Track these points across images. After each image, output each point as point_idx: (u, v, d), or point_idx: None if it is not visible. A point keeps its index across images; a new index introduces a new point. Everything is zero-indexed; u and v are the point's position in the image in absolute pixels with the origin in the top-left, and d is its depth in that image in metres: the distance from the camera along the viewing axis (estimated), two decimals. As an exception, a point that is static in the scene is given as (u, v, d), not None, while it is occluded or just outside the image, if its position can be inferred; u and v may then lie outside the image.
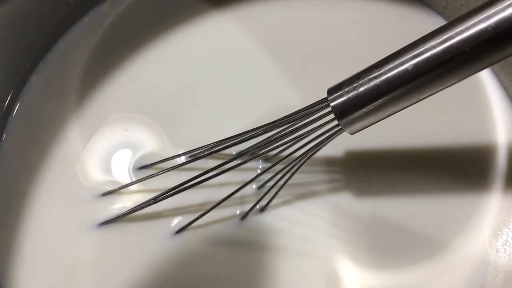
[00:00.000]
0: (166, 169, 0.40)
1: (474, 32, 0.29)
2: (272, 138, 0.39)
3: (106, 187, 0.42)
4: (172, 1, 0.50)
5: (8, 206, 0.42)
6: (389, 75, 0.32)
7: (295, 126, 0.38)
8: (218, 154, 0.41)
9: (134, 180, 0.42)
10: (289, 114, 0.38)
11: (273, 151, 0.41)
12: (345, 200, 0.42)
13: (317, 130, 0.37)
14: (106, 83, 0.46)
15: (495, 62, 0.30)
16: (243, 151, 0.41)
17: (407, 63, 0.31)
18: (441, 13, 0.50)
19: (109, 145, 0.44)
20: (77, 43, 0.48)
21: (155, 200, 0.39)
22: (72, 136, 0.44)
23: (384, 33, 0.49)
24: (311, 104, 0.37)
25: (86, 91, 0.46)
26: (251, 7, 0.50)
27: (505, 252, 0.41)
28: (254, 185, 0.43)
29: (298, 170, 0.40)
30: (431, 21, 0.50)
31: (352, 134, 0.35)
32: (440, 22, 0.50)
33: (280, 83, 0.46)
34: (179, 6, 0.50)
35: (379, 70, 0.32)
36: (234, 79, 0.47)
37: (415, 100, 0.32)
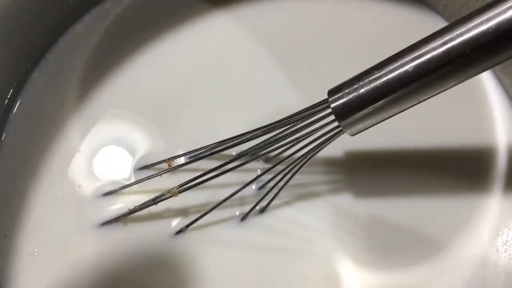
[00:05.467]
0: (167, 169, 0.41)
1: (475, 34, 0.29)
2: (272, 139, 0.39)
3: (107, 188, 0.42)
4: (172, 1, 0.50)
5: (8, 206, 0.42)
6: (389, 76, 0.32)
7: (295, 127, 0.38)
8: (218, 155, 0.41)
9: (135, 180, 0.42)
10: (289, 115, 0.38)
11: (274, 152, 0.41)
12: (346, 200, 0.42)
13: (317, 131, 0.37)
14: (107, 82, 0.46)
15: (496, 64, 0.30)
16: (243, 152, 0.41)
17: (408, 65, 0.31)
18: (441, 13, 0.50)
19: (110, 145, 0.44)
20: (78, 42, 0.48)
21: (155, 201, 0.39)
22: (72, 135, 0.44)
23: (384, 33, 0.49)
24: (311, 105, 0.37)
25: (86, 90, 0.46)
26: (251, 7, 0.50)
27: (506, 252, 0.41)
28: (254, 186, 0.42)
29: (299, 171, 0.40)
30: (431, 21, 0.50)
31: (352, 135, 0.35)
32: (440, 22, 0.50)
33: (280, 84, 0.46)
34: (180, 5, 0.50)
35: (380, 72, 0.32)
36: (235, 79, 0.47)
37: (415, 102, 0.32)
